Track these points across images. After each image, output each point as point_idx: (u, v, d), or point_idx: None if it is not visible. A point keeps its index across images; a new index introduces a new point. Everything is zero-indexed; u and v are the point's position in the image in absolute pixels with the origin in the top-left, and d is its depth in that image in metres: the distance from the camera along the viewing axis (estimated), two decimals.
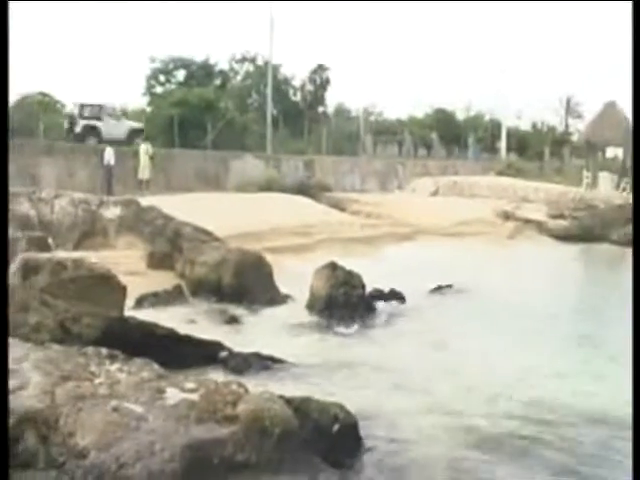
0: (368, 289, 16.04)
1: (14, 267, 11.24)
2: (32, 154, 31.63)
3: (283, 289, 16.29)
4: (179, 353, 10.29)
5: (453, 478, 7.80)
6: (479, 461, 8.17)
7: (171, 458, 6.69)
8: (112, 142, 35.77)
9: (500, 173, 47.74)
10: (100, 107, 39.06)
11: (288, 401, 7.79)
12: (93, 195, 21.87)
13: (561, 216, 33.41)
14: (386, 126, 63.32)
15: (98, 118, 38.53)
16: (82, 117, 38.55)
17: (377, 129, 60.54)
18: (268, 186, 33.33)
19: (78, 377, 7.84)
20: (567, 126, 75.63)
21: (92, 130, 37.91)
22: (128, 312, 11.48)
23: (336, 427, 7.87)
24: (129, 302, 12.20)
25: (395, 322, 15.15)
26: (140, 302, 14.20)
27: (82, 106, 39.07)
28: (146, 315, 11.92)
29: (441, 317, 15.54)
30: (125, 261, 16.41)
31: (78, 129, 38.14)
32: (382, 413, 9.25)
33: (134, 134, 39.01)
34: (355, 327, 14.49)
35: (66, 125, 39.56)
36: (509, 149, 63.45)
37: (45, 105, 46.30)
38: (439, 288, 18.22)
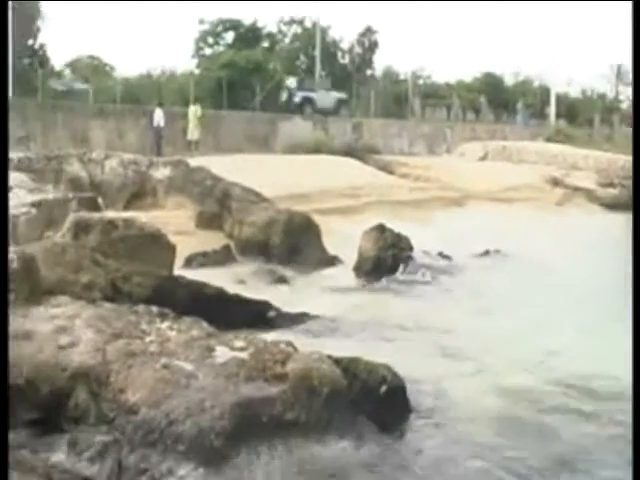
0: (416, 252, 15.98)
1: (65, 227, 11.37)
2: (83, 116, 31.86)
3: (331, 250, 16.27)
4: (228, 312, 10.33)
5: (496, 442, 7.72)
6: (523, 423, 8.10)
7: (221, 416, 6.73)
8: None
9: (549, 139, 47.00)
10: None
11: (336, 361, 7.78)
12: (143, 156, 21.96)
13: (610, 184, 32.88)
14: (434, 90, 62.68)
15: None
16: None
17: (425, 92, 59.94)
18: (316, 148, 33.20)
19: (129, 335, 7.91)
20: (617, 93, 74.24)
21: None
22: (177, 271, 11.55)
23: (384, 388, 7.83)
24: (178, 261, 12.26)
25: (441, 285, 15.09)
26: (189, 261, 14.28)
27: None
28: (195, 274, 11.97)
29: (487, 282, 15.43)
30: (174, 221, 16.48)
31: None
32: (427, 374, 9.19)
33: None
34: (401, 288, 14.48)
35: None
36: (558, 115, 62.43)
37: (95, 68, 46.52)
38: (487, 253, 18.09)
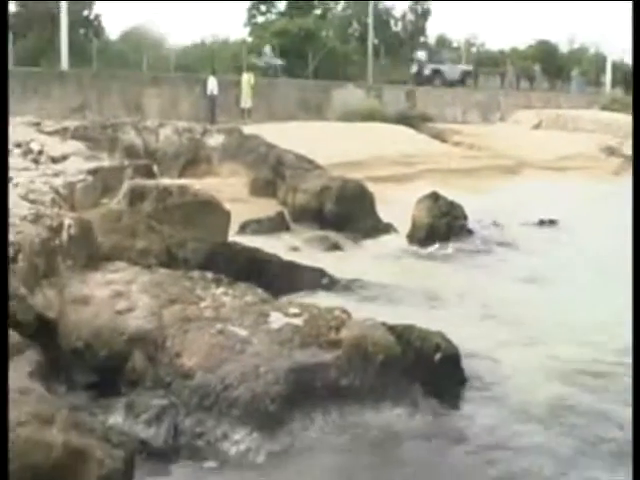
0: (469, 221, 15.86)
1: (121, 194, 11.46)
2: (137, 85, 32.04)
3: (384, 218, 16.22)
4: (282, 278, 10.37)
5: (551, 410, 7.65)
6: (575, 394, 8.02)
7: (275, 381, 6.78)
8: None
9: (604, 108, 46.07)
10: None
11: (390, 328, 7.78)
12: (197, 124, 22.04)
13: None
14: (488, 57, 61.87)
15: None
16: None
17: (479, 60, 59.18)
18: (370, 115, 33.00)
19: (185, 300, 7.99)
20: None
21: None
22: (232, 238, 11.59)
23: (438, 356, 7.81)
24: (232, 228, 12.31)
25: (495, 254, 14.98)
26: (243, 228, 14.33)
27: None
28: (249, 241, 12.02)
29: (541, 251, 15.26)
30: (228, 188, 16.53)
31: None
32: (481, 343, 9.13)
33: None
34: (455, 256, 14.40)
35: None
36: (614, 84, 61.19)
37: (148, 37, 46.67)
38: (541, 222, 17.90)
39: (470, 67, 48.76)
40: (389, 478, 6.35)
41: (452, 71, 45.66)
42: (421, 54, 47.47)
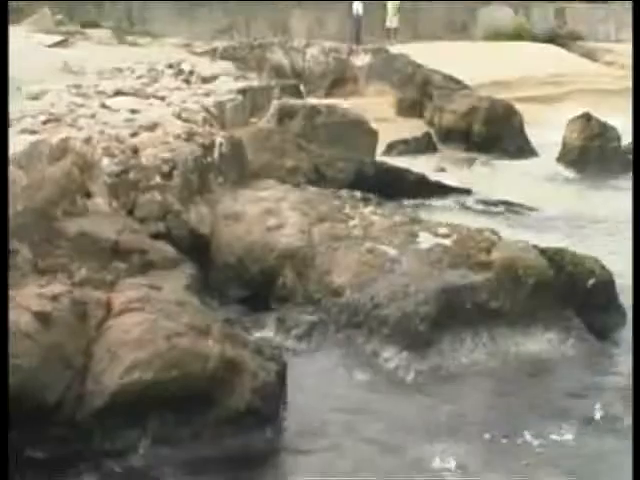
0: (623, 143, 15.26)
1: (270, 113, 11.53)
2: (283, 6, 31.99)
3: (533, 139, 15.81)
4: (429, 198, 10.29)
5: None
6: None
7: (425, 301, 6.74)
8: None
9: None
10: None
11: (542, 251, 7.58)
12: (343, 44, 21.89)
13: None
14: None
15: None
16: None
17: None
18: (517, 35, 32.01)
19: (334, 218, 7.99)
20: None
21: None
22: (378, 158, 11.54)
23: (591, 282, 7.57)
24: (379, 148, 12.25)
25: None
26: (390, 148, 14.23)
27: None
28: (396, 161, 11.93)
29: None
30: (374, 108, 16.38)
31: None
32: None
33: None
34: (607, 181, 13.91)
35: None
36: None
37: None
38: None
39: None
40: (536, 404, 6.21)
41: None
42: None
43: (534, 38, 31.39)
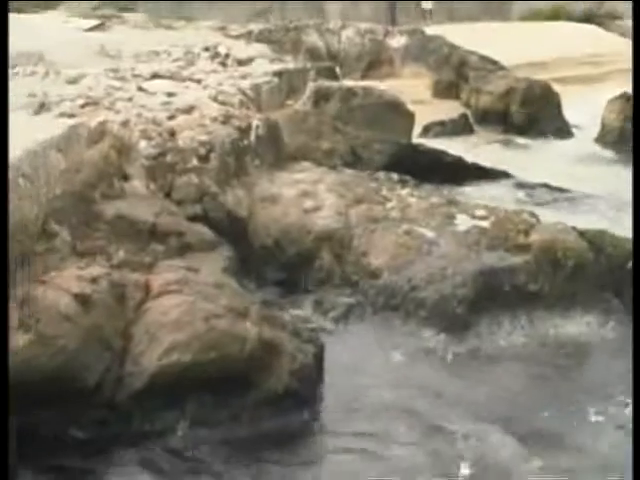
0: None
1: (306, 95, 11.50)
2: None
3: (571, 120, 15.63)
4: (466, 180, 10.22)
5: None
6: None
7: (463, 283, 6.72)
8: None
9: None
10: None
11: (581, 233, 7.52)
12: (378, 25, 21.75)
13: None
14: None
15: None
16: None
17: None
18: (555, 14, 31.65)
19: (371, 200, 7.99)
20: None
21: None
22: (415, 139, 11.47)
23: (631, 264, 7.49)
24: (415, 130, 12.17)
25: None
26: (426, 130, 14.12)
27: None
28: (432, 143, 11.86)
29: None
30: (411, 90, 16.25)
31: None
32: None
33: None
34: None
35: None
36: None
37: None
38: None
39: None
40: (575, 389, 6.16)
41: None
42: None
43: (571, 17, 31.01)
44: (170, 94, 9.89)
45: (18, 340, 5.03)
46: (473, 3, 35.47)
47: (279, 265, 7.53)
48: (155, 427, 5.21)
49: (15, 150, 5.91)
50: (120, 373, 5.29)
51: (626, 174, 12.89)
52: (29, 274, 5.53)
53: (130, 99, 9.54)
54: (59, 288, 5.44)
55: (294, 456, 5.22)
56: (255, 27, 19.32)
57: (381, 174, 8.96)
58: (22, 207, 5.78)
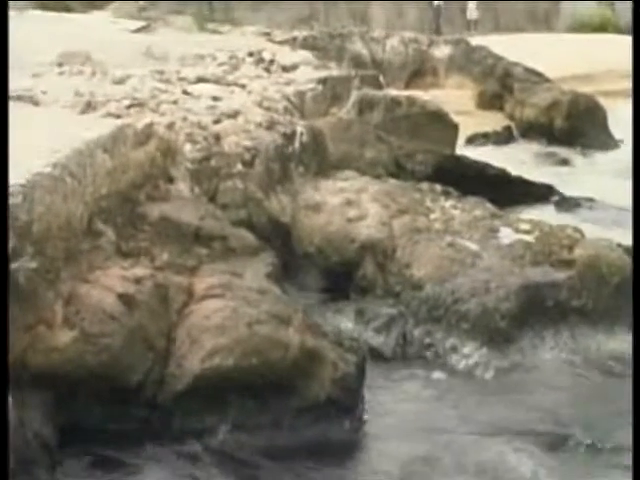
0: None
1: (350, 103, 11.49)
2: None
3: (617, 134, 15.51)
4: (510, 193, 10.14)
5: None
6: None
7: (506, 297, 6.66)
8: None
9: None
10: None
11: (626, 249, 7.43)
12: (422, 35, 21.77)
13: None
14: None
15: None
16: None
17: None
18: (601, 26, 31.47)
19: (414, 211, 7.95)
20: None
21: None
22: (458, 151, 11.42)
23: None
24: (459, 141, 12.12)
25: None
26: (470, 141, 14.12)
27: None
28: (475, 154, 11.80)
29: None
30: (454, 100, 16.25)
31: None
32: None
33: None
34: None
35: None
36: None
37: None
38: None
39: None
40: (618, 407, 6.08)
41: None
42: None
43: (619, 30, 30.79)
44: (215, 98, 9.91)
45: (62, 337, 5.07)
46: (519, 14, 35.39)
47: (322, 273, 7.52)
48: (196, 429, 5.22)
49: (62, 149, 5.96)
50: (162, 374, 5.31)
51: None
52: (74, 272, 5.57)
53: (175, 102, 9.58)
54: (104, 287, 5.48)
55: (335, 465, 5.21)
56: (299, 33, 19.40)
57: (424, 185, 8.91)
58: (68, 205, 5.81)
